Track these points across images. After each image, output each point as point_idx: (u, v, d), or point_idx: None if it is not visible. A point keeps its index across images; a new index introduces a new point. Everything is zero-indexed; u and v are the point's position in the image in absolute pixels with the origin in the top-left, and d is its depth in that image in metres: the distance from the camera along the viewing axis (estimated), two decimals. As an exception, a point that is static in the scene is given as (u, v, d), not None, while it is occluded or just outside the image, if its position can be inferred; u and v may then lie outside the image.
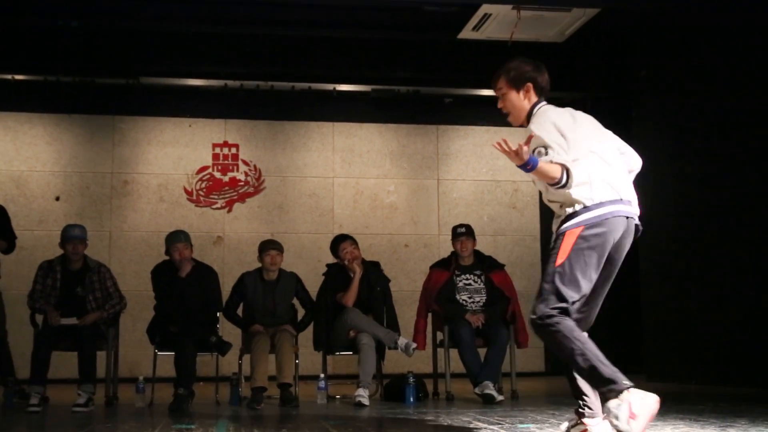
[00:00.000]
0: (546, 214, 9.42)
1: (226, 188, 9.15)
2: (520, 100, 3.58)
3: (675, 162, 7.55)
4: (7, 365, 6.19)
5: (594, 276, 3.31)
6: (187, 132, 9.18)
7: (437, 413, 4.96)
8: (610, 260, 3.37)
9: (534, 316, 3.31)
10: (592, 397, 3.37)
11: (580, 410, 3.38)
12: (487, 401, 5.57)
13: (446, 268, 6.40)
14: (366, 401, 5.55)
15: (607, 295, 3.51)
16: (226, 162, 9.18)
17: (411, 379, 5.86)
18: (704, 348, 7.12)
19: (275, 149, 9.29)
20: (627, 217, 3.35)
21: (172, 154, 9.09)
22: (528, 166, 3.21)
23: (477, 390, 5.76)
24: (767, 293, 6.44)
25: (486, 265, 6.43)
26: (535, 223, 9.56)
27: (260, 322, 6.15)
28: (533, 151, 3.27)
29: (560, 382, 7.94)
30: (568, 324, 3.24)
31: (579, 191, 3.29)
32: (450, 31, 7.79)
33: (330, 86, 9.10)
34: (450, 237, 6.50)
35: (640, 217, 3.44)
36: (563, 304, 3.26)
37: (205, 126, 9.22)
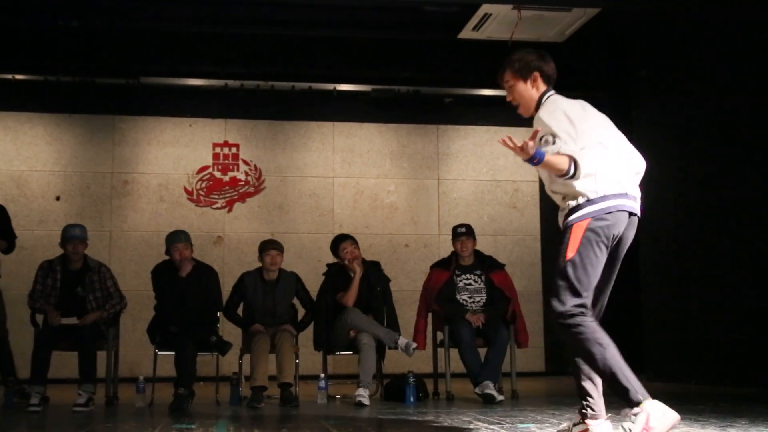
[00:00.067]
0: (546, 214, 9.42)
1: (227, 188, 9.15)
2: (529, 90, 3.56)
3: (675, 162, 7.55)
4: (8, 365, 6.19)
5: (600, 270, 3.29)
6: (187, 132, 9.18)
7: (437, 413, 4.96)
8: (612, 255, 3.35)
9: (557, 316, 3.23)
10: (596, 398, 3.35)
11: (583, 411, 3.37)
12: (488, 401, 5.57)
13: (446, 268, 6.40)
14: (366, 401, 5.55)
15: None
16: (226, 162, 9.18)
17: (411, 379, 5.86)
18: (704, 348, 7.12)
19: (275, 149, 9.29)
20: (630, 213, 3.33)
21: (173, 154, 9.09)
22: (534, 160, 3.19)
23: (477, 390, 5.76)
24: (767, 293, 6.44)
25: (486, 265, 6.43)
26: (535, 223, 9.56)
27: (260, 322, 6.15)
28: (540, 139, 3.25)
29: (560, 382, 7.98)
30: (591, 326, 3.19)
31: (584, 183, 3.26)
32: (450, 31, 7.79)
33: (330, 86, 9.10)
34: (450, 237, 6.50)
35: (640, 217, 3.43)
36: (581, 300, 3.22)
37: (205, 126, 9.22)
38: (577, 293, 3.22)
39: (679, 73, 7.73)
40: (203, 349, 5.92)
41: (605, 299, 3.45)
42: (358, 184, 9.37)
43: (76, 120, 8.99)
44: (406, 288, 8.57)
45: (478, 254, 6.48)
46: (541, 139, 3.26)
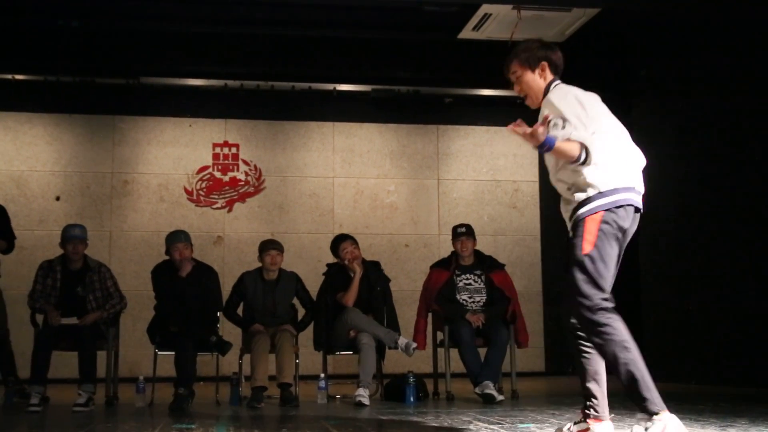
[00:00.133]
0: (546, 214, 9.42)
1: (227, 188, 9.15)
2: (537, 80, 3.50)
3: (675, 162, 7.56)
4: (8, 364, 6.19)
5: (614, 265, 3.24)
6: (187, 132, 9.18)
7: (437, 413, 4.96)
8: (617, 251, 3.31)
9: (585, 310, 3.16)
10: (600, 399, 3.33)
11: (587, 411, 3.34)
12: (488, 401, 5.57)
13: (446, 267, 6.40)
14: (366, 401, 5.55)
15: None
16: (226, 162, 9.18)
17: (411, 379, 5.86)
18: (704, 348, 7.12)
19: (275, 149, 9.29)
20: (636, 209, 3.30)
21: (173, 154, 9.09)
22: (545, 147, 3.14)
23: (477, 390, 5.76)
24: (767, 294, 6.44)
25: (486, 264, 6.43)
26: (535, 223, 9.56)
27: (260, 322, 6.15)
28: (549, 123, 3.20)
29: (560, 382, 7.98)
30: (619, 326, 3.14)
31: (594, 174, 3.21)
32: (450, 31, 7.79)
33: (330, 86, 9.10)
34: (450, 237, 6.50)
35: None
36: (605, 294, 3.17)
37: (205, 126, 9.22)
38: (599, 287, 3.17)
39: (679, 73, 7.73)
40: (203, 349, 5.92)
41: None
42: (358, 184, 9.37)
43: (76, 120, 8.99)
44: (406, 288, 8.57)
45: (478, 254, 6.48)
46: (550, 122, 3.19)
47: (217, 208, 9.10)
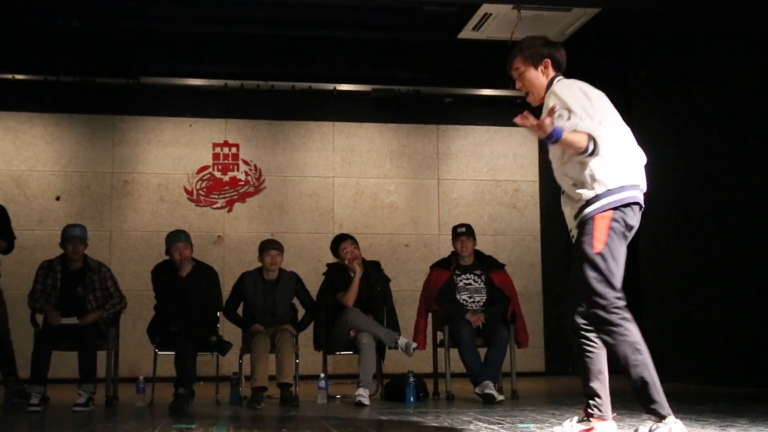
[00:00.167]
0: (546, 214, 9.43)
1: (227, 188, 9.15)
2: (539, 77, 3.49)
3: (675, 162, 7.55)
4: (9, 364, 6.18)
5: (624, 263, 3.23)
6: (187, 132, 9.18)
7: (437, 413, 4.96)
8: None
9: (600, 308, 3.14)
10: (604, 398, 3.32)
11: (590, 410, 3.33)
12: (488, 401, 5.57)
13: (446, 267, 6.40)
14: (366, 401, 5.55)
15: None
16: (226, 162, 9.18)
17: (411, 379, 5.86)
18: (704, 348, 7.12)
19: (275, 149, 9.29)
20: (641, 207, 3.29)
21: (173, 154, 9.09)
22: (552, 138, 3.11)
23: (477, 390, 5.76)
24: (767, 294, 6.44)
25: (486, 264, 6.43)
26: (535, 223, 9.56)
27: (260, 322, 6.15)
28: (555, 113, 3.17)
29: (560, 382, 7.98)
30: (632, 327, 3.13)
31: (601, 170, 3.19)
32: (450, 31, 7.79)
33: (330, 86, 9.10)
34: (450, 237, 6.50)
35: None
36: (619, 292, 3.15)
37: (205, 126, 9.22)
38: (612, 286, 3.16)
39: (679, 73, 7.73)
40: (203, 349, 5.92)
41: None
42: (358, 184, 9.37)
43: (76, 120, 8.99)
44: (406, 288, 8.57)
45: (478, 254, 6.48)
46: (555, 113, 3.16)
47: (217, 208, 9.10)
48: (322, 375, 6.07)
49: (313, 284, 6.54)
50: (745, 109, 6.78)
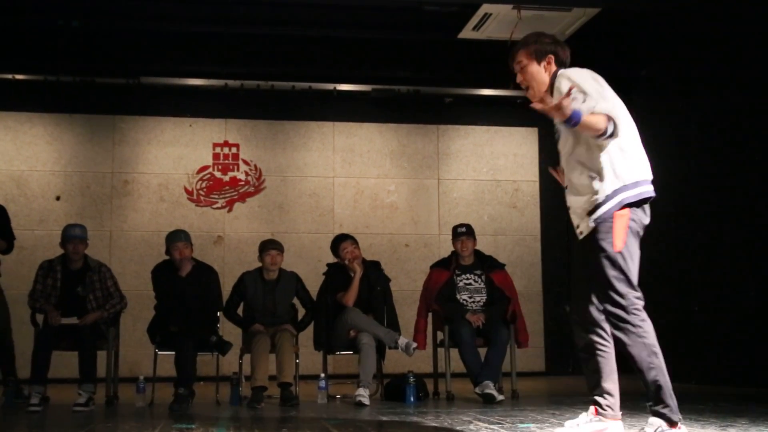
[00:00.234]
0: (546, 214, 9.42)
1: (227, 188, 9.15)
2: (541, 72, 3.46)
3: (675, 162, 7.55)
4: (9, 364, 6.18)
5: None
6: (187, 132, 9.18)
7: (437, 413, 4.96)
8: None
9: (620, 309, 3.11)
10: (616, 398, 3.31)
11: (602, 410, 3.31)
12: (488, 401, 5.57)
13: (446, 267, 6.40)
14: (366, 401, 5.55)
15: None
16: (226, 162, 9.18)
17: (411, 379, 5.86)
18: (704, 348, 7.12)
19: (275, 149, 9.29)
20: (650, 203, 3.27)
21: (173, 154, 9.09)
22: (572, 120, 3.06)
23: (477, 390, 5.76)
24: (767, 293, 6.44)
25: (486, 264, 6.43)
26: (535, 223, 9.56)
27: (260, 322, 6.15)
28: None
29: (560, 382, 7.98)
30: (651, 330, 3.13)
31: (619, 163, 3.16)
32: (450, 31, 7.79)
33: (330, 86, 9.10)
34: (450, 237, 6.50)
35: None
36: (638, 292, 3.14)
37: (205, 126, 9.22)
38: (632, 285, 3.15)
39: (679, 73, 7.73)
40: (203, 349, 5.92)
41: None
42: (358, 183, 9.37)
43: (76, 120, 8.99)
44: (406, 288, 8.57)
45: (478, 254, 6.48)
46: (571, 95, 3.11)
47: (218, 208, 9.10)
48: (322, 375, 6.08)
49: (313, 284, 6.54)
50: (745, 109, 6.78)
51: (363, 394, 5.58)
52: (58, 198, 8.83)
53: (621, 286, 3.14)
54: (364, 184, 9.38)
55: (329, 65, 8.81)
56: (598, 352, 3.32)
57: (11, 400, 5.77)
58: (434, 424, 4.30)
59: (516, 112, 9.44)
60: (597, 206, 3.21)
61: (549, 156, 9.36)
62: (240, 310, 6.39)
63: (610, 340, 3.29)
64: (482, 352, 6.04)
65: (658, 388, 3.08)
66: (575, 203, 3.33)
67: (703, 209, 7.25)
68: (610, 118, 3.12)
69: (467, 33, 7.66)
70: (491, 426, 4.10)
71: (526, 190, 9.59)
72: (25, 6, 7.52)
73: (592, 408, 3.34)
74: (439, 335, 6.35)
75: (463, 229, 6.41)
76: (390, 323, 6.28)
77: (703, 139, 7.34)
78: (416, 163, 9.51)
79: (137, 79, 8.69)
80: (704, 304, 7.18)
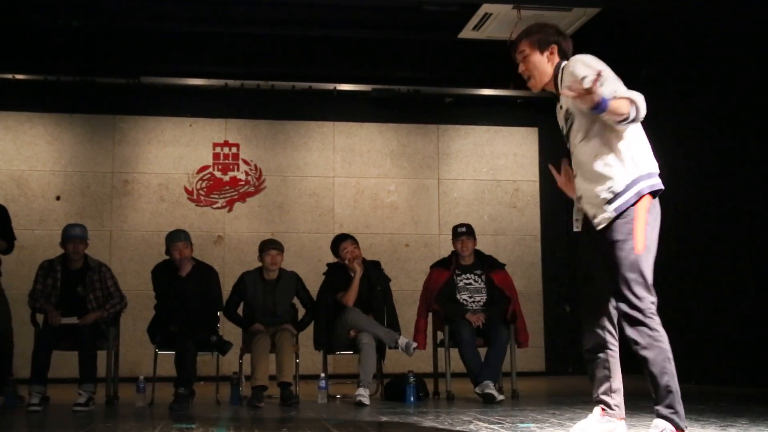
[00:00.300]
0: (547, 214, 9.43)
1: (227, 188, 9.15)
2: (544, 62, 3.41)
3: (675, 162, 7.54)
4: (6, 364, 6.16)
5: None
6: (187, 131, 9.18)
7: (438, 413, 4.96)
8: None
9: (635, 310, 3.09)
10: (622, 397, 3.30)
11: (612, 410, 3.29)
12: (488, 401, 5.57)
13: (447, 267, 6.40)
14: (366, 401, 5.55)
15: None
16: (226, 161, 9.18)
17: (411, 379, 5.86)
18: (704, 348, 7.12)
19: (276, 149, 9.29)
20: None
21: (173, 154, 9.09)
22: (601, 106, 3.00)
23: (477, 389, 5.75)
24: (767, 294, 6.44)
25: (486, 264, 6.43)
26: (535, 223, 9.56)
27: (260, 322, 6.15)
28: (583, 80, 3.07)
29: (560, 382, 7.98)
30: (664, 335, 3.12)
31: (640, 151, 3.12)
32: (450, 31, 7.79)
33: (330, 86, 9.11)
34: (450, 236, 6.50)
35: None
36: (654, 297, 3.11)
37: (205, 125, 9.22)
38: (649, 289, 3.11)
39: (679, 73, 7.73)
40: (203, 349, 5.92)
41: None
42: (358, 183, 9.38)
43: (77, 120, 8.99)
44: (407, 288, 8.58)
45: (478, 254, 6.48)
46: (583, 79, 3.05)
47: (218, 208, 9.10)
48: (322, 375, 6.08)
49: (313, 284, 6.54)
50: (745, 109, 6.78)
51: (363, 394, 5.58)
52: (58, 198, 8.83)
53: (640, 290, 3.11)
54: (364, 184, 9.38)
55: (329, 65, 8.82)
56: (609, 352, 3.30)
57: (11, 400, 5.77)
58: (434, 424, 4.29)
59: (516, 112, 9.46)
60: (616, 195, 3.15)
61: (549, 156, 9.36)
62: (240, 310, 6.39)
63: (617, 339, 3.28)
64: (482, 352, 6.04)
65: (669, 393, 3.07)
66: (590, 193, 3.24)
67: (703, 209, 7.25)
68: (632, 102, 3.08)
69: (467, 33, 7.66)
70: (491, 426, 4.10)
71: (526, 190, 9.59)
72: (25, 6, 7.53)
73: (598, 408, 3.32)
74: (439, 335, 6.34)
75: (463, 229, 6.41)
76: (390, 323, 6.28)
77: (703, 139, 7.34)
78: (416, 163, 9.51)
79: (137, 79, 8.70)
80: (704, 304, 7.18)
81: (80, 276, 5.97)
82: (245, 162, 9.22)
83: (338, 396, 6.35)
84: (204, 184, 9.10)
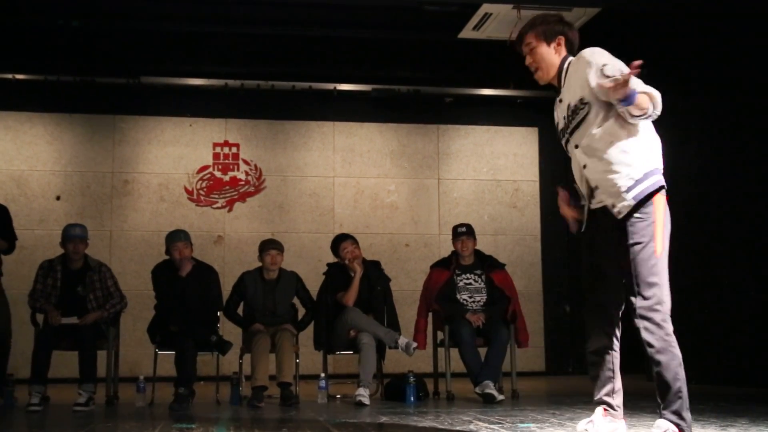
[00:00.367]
0: (547, 214, 9.42)
1: (227, 188, 9.15)
2: (551, 54, 3.41)
3: (675, 162, 7.52)
4: (3, 363, 6.14)
5: None
6: (187, 131, 9.18)
7: (438, 413, 4.96)
8: None
9: (654, 314, 3.12)
10: (621, 397, 3.32)
11: (614, 410, 3.30)
12: (488, 401, 5.57)
13: (447, 267, 6.40)
14: (366, 401, 5.55)
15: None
16: (226, 161, 9.18)
17: (411, 379, 5.86)
18: (704, 348, 7.12)
19: (276, 149, 9.29)
20: None
21: (173, 154, 9.09)
22: (630, 99, 2.98)
23: (477, 389, 5.75)
24: (767, 294, 6.44)
25: (486, 264, 6.43)
26: (535, 223, 9.56)
27: (260, 322, 6.15)
28: (602, 73, 3.07)
29: (560, 382, 7.98)
30: (676, 341, 3.12)
31: (656, 145, 3.11)
32: (450, 31, 7.79)
33: (330, 86, 9.11)
34: (450, 236, 6.50)
35: None
36: (670, 302, 3.10)
37: (205, 125, 9.22)
38: (668, 293, 3.12)
39: (679, 73, 7.73)
40: (203, 349, 5.92)
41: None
42: (358, 183, 9.38)
43: (77, 119, 8.99)
44: (407, 288, 8.58)
45: (478, 254, 6.48)
46: (602, 71, 3.05)
47: (218, 208, 9.10)
48: (322, 375, 6.08)
49: (313, 284, 6.54)
50: (745, 109, 6.78)
51: (363, 394, 5.58)
52: (58, 198, 8.83)
53: (660, 293, 3.13)
54: (364, 184, 9.38)
55: (329, 65, 8.82)
56: (613, 353, 3.32)
57: (11, 400, 5.76)
58: (434, 424, 4.29)
59: (516, 112, 9.46)
60: (636, 182, 3.14)
61: (549, 156, 9.38)
62: (240, 310, 6.39)
63: (619, 341, 3.31)
64: (482, 351, 6.04)
65: (679, 398, 3.07)
66: (606, 182, 3.19)
67: (703, 209, 7.24)
68: (651, 98, 3.07)
69: (467, 33, 7.65)
70: (491, 426, 4.10)
71: (526, 190, 9.59)
72: (25, 6, 7.52)
73: (600, 409, 3.31)
74: (439, 335, 6.35)
75: (464, 229, 6.41)
76: (390, 323, 6.28)
77: (703, 139, 7.33)
78: (416, 162, 9.51)
79: (137, 79, 8.70)
80: (704, 304, 7.18)
81: (80, 276, 5.97)
82: (245, 162, 9.22)
83: (338, 396, 6.35)
84: (204, 184, 9.10)
